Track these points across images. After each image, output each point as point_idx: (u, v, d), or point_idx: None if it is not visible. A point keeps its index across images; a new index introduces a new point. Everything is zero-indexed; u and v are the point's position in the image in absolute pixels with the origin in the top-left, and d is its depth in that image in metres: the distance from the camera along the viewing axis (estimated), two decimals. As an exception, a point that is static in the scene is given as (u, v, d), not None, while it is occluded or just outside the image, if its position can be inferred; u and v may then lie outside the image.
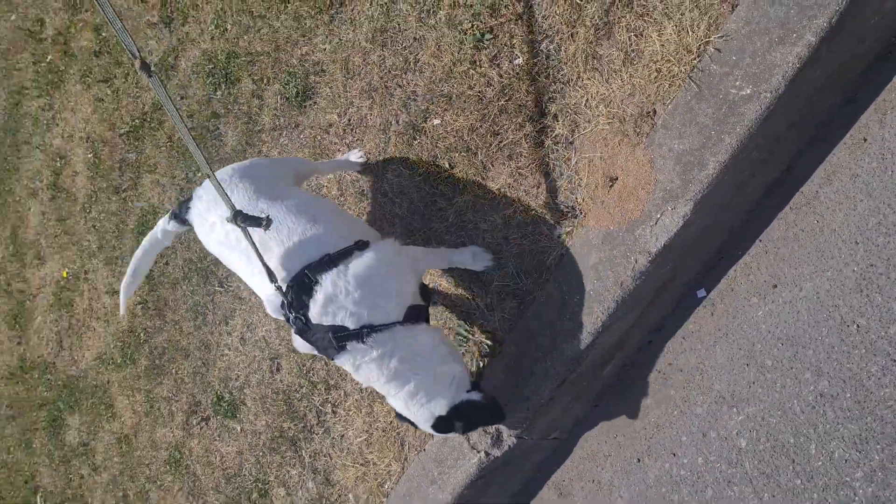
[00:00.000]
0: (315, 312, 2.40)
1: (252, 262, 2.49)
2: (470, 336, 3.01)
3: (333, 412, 3.50)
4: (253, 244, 2.38)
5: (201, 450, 4.11)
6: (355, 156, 3.30)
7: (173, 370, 4.26)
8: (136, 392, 4.51)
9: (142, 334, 4.46)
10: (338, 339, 2.39)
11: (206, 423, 4.10)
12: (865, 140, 2.46)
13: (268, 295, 2.56)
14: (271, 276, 2.42)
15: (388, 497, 3.33)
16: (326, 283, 2.39)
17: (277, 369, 3.68)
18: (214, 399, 4.01)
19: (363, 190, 3.33)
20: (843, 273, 2.48)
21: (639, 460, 2.94)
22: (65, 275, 5.05)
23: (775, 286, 2.63)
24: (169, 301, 4.28)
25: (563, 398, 2.93)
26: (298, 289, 2.42)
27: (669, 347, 2.89)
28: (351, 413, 3.43)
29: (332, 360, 2.48)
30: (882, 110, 2.43)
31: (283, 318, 2.53)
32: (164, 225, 2.93)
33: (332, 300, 2.39)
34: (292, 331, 2.52)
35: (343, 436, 3.48)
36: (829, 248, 2.52)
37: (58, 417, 5.16)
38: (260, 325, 3.77)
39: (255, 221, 2.32)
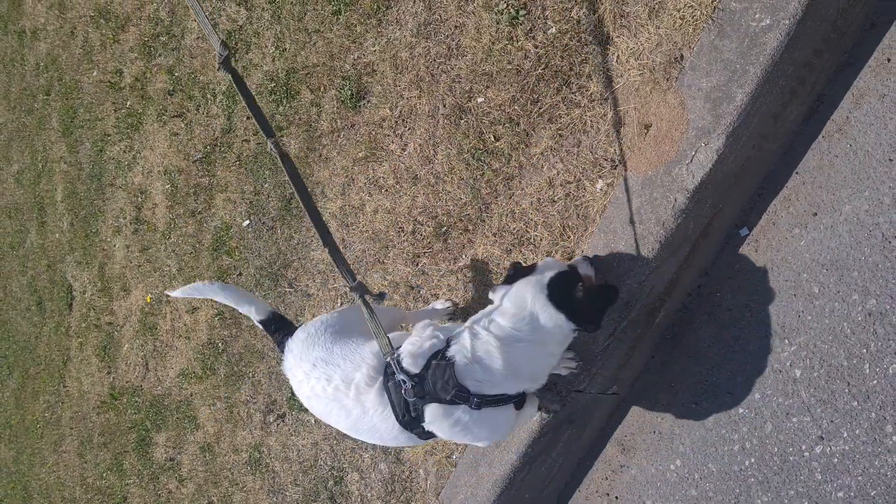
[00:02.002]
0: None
1: (347, 410, 2.61)
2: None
3: (400, 391, 3.63)
4: (371, 312, 2.49)
5: (279, 446, 4.28)
6: (441, 304, 3.44)
7: (250, 374, 4.48)
8: (216, 400, 4.74)
9: (220, 344, 4.71)
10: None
11: (283, 420, 4.28)
12: (889, 60, 2.54)
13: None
14: (389, 344, 2.53)
15: (457, 466, 3.42)
16: None
17: (346, 356, 3.86)
18: (289, 395, 4.21)
19: (416, 175, 3.54)
20: (880, 191, 2.54)
21: (696, 404, 2.98)
22: (148, 300, 5.38)
23: (815, 214, 2.70)
24: (244, 309, 4.52)
25: (618, 349, 3.01)
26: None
27: (717, 289, 2.95)
28: (417, 389, 3.56)
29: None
30: (902, 29, 2.52)
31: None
32: (252, 313, 3.14)
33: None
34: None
35: (411, 413, 3.61)
36: (863, 169, 2.59)
37: (146, 437, 5.42)
38: (328, 318, 3.97)
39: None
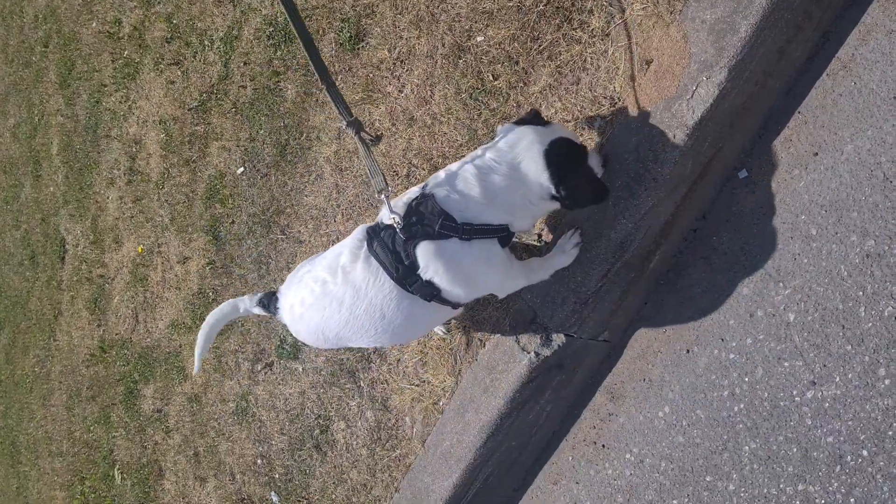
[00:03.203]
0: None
1: (339, 300, 2.56)
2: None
3: (389, 337, 3.59)
4: (367, 149, 2.53)
5: (266, 395, 4.24)
6: (441, 330, 3.38)
7: (239, 322, 4.43)
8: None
9: (210, 293, 4.66)
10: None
11: (270, 369, 4.23)
12: (898, -5, 2.49)
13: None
14: (384, 180, 2.55)
15: (444, 413, 3.38)
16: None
17: (336, 302, 3.81)
18: (278, 343, 4.16)
19: (413, 116, 3.47)
20: (884, 129, 2.48)
21: (688, 351, 2.93)
22: (139, 250, 5.32)
23: (816, 154, 2.64)
24: (235, 257, 4.48)
25: (610, 293, 2.96)
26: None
27: (713, 232, 2.90)
28: (406, 335, 3.52)
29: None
30: (911, -37, 2.46)
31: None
32: (247, 306, 2.95)
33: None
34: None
35: (399, 360, 3.56)
36: (867, 107, 2.53)
37: (133, 389, 5.38)
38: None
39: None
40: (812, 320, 2.62)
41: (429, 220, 2.42)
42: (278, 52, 4.22)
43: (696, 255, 2.94)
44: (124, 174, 5.56)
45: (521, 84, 3.10)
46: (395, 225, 2.46)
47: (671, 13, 2.69)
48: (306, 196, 4.03)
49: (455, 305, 2.65)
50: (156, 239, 5.19)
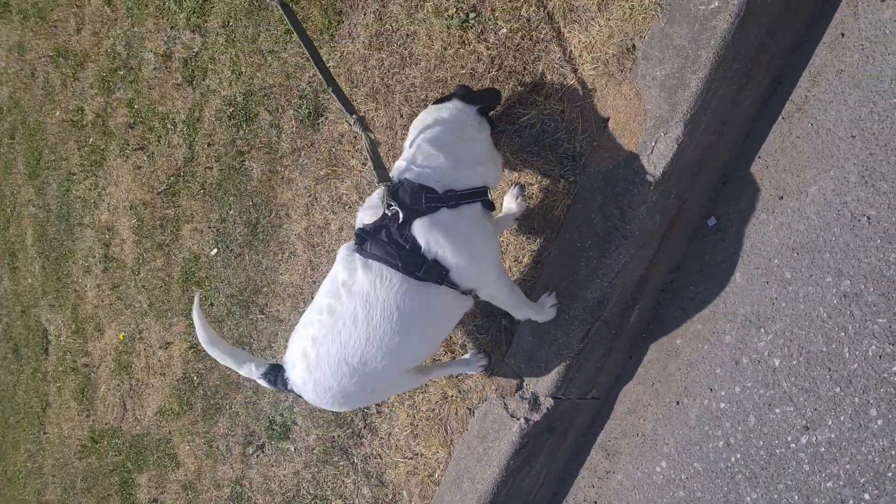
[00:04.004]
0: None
1: (353, 317, 2.46)
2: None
3: (378, 411, 3.54)
4: (371, 143, 2.55)
5: (260, 478, 4.16)
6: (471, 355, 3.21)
7: (227, 406, 4.36)
8: (195, 436, 4.61)
9: (195, 378, 4.59)
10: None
11: (262, 451, 4.16)
12: (843, 35, 2.49)
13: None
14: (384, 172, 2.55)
15: (440, 485, 3.32)
16: None
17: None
18: (267, 424, 4.09)
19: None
20: (845, 168, 2.48)
21: (678, 403, 2.89)
22: (121, 338, 5.26)
23: (781, 198, 2.63)
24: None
25: (593, 352, 2.93)
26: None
27: (689, 282, 2.88)
28: (394, 408, 3.47)
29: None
30: (853, 3, 2.47)
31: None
32: (251, 374, 2.72)
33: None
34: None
35: (390, 433, 3.51)
36: (826, 147, 2.53)
37: (128, 479, 5.28)
38: (301, 342, 3.87)
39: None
40: (797, 364, 2.59)
41: (413, 199, 2.42)
42: (240, 132, 4.20)
43: (674, 306, 2.91)
44: (100, 262, 5.51)
45: (483, 150, 3.09)
46: (389, 212, 2.44)
47: (622, 71, 2.69)
48: (281, 274, 3.99)
49: (465, 291, 2.58)
50: (136, 325, 5.13)
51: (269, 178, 4.05)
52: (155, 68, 4.88)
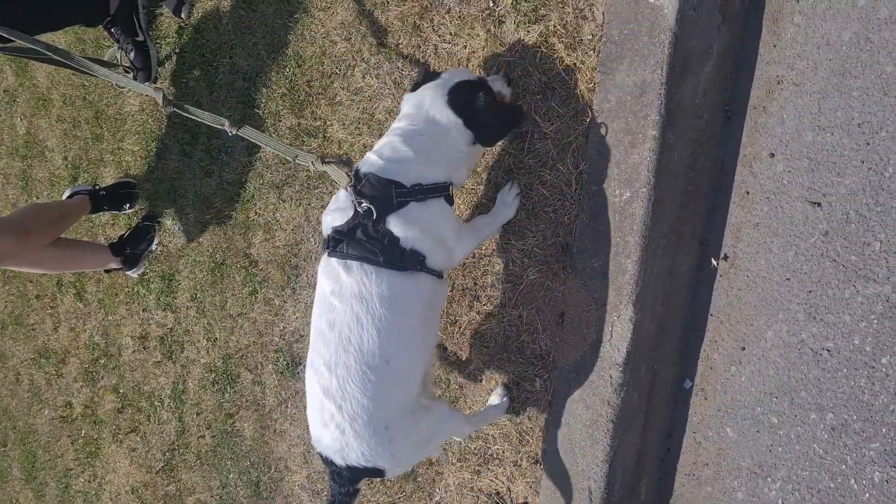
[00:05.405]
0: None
1: (356, 318, 2.43)
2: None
3: None
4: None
5: None
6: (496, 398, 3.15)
7: None
8: None
9: None
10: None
11: None
12: (748, 193, 2.71)
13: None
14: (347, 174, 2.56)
15: None
16: None
17: None
18: None
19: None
20: (791, 309, 2.62)
21: (709, 572, 2.85)
22: None
23: (743, 348, 2.75)
24: None
25: (614, 539, 2.91)
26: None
27: (686, 448, 2.92)
28: None
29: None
30: (747, 163, 2.71)
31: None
32: None
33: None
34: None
35: None
36: (768, 294, 2.68)
37: None
38: None
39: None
40: (811, 506, 2.60)
41: (381, 191, 2.44)
42: (226, 395, 4.30)
43: (680, 474, 2.94)
44: (109, 556, 5.39)
45: (458, 366, 3.21)
46: (361, 209, 2.44)
47: (564, 269, 2.87)
48: (293, 530, 3.95)
49: (439, 274, 2.62)
50: None
51: (261, 434, 4.10)
52: (134, 351, 5.04)
